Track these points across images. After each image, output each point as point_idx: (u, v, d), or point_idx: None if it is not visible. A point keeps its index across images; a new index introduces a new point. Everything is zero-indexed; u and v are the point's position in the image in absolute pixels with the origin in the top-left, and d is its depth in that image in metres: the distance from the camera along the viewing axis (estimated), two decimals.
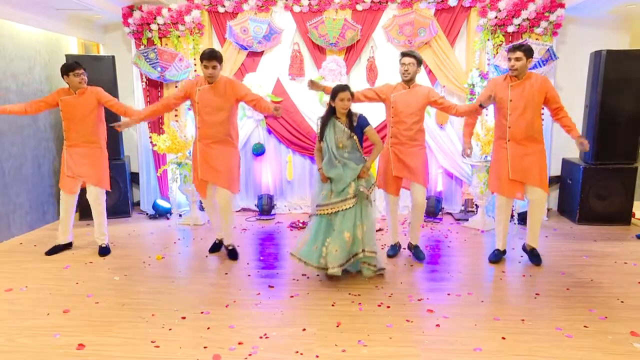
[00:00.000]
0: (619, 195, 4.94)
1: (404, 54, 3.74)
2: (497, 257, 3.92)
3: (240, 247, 4.40)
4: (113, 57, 5.17)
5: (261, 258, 4.09)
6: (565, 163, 5.36)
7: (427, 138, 5.25)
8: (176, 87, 5.29)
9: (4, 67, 4.56)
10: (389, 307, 3.07)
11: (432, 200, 5.22)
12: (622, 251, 4.16)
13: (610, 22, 5.14)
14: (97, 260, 4.03)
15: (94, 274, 3.71)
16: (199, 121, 3.79)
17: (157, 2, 5.17)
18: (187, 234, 4.83)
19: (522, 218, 4.98)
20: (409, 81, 3.74)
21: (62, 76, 3.98)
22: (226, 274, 3.71)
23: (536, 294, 3.26)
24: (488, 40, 5.04)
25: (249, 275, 3.67)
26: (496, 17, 4.95)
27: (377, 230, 3.86)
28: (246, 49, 5.28)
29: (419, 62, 3.73)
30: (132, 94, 5.47)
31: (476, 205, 5.20)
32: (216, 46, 5.46)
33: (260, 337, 2.69)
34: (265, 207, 5.47)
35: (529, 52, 3.54)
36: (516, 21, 4.92)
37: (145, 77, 5.35)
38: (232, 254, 4.08)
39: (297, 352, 2.53)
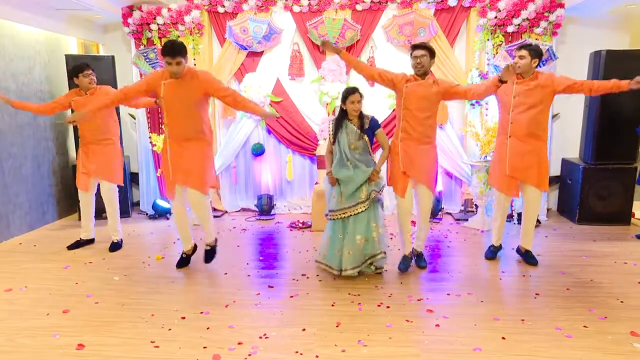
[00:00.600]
0: (618, 195, 4.94)
1: (415, 47, 3.47)
2: (493, 253, 3.97)
3: (240, 247, 4.41)
4: (113, 57, 5.17)
5: (261, 258, 4.09)
6: (565, 163, 5.36)
7: None
8: None
9: (4, 67, 4.56)
10: (388, 307, 3.07)
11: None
12: (622, 251, 4.15)
13: (610, 22, 5.14)
14: (97, 260, 4.03)
15: (93, 274, 3.71)
16: (167, 118, 3.51)
17: (156, 2, 5.17)
18: None
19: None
20: (422, 74, 3.47)
21: (72, 78, 4.14)
22: (226, 274, 3.71)
23: (536, 294, 3.26)
24: (488, 40, 5.04)
25: (248, 276, 3.67)
26: (496, 17, 4.95)
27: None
28: (246, 49, 5.27)
29: (432, 53, 3.45)
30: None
31: (476, 205, 5.19)
32: (216, 46, 5.47)
33: (260, 337, 2.69)
34: (265, 207, 5.47)
35: (534, 52, 3.51)
36: (516, 21, 4.92)
37: None
38: (210, 255, 3.84)
39: (297, 352, 2.53)
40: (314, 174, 5.64)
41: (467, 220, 5.12)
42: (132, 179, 5.70)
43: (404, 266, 3.71)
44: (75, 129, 4.77)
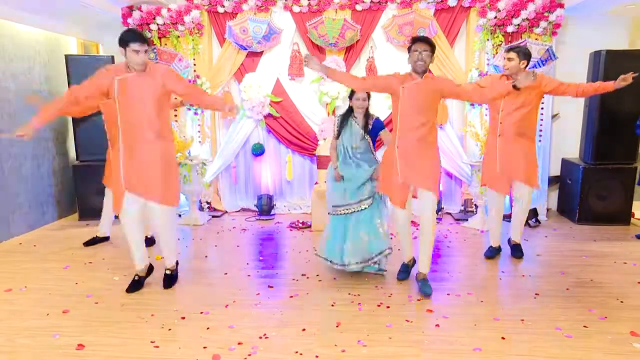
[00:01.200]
0: (618, 195, 4.94)
1: (416, 40, 3.15)
2: (492, 253, 4.02)
3: (239, 247, 4.40)
4: (112, 57, 5.16)
5: (261, 258, 4.09)
6: (565, 163, 5.36)
7: None
8: None
9: (4, 67, 4.56)
10: (388, 307, 3.07)
11: None
12: (622, 251, 4.16)
13: (609, 22, 5.14)
14: (97, 260, 4.02)
15: (93, 274, 3.71)
16: (122, 120, 3.12)
17: (156, 2, 5.16)
18: (187, 234, 4.82)
19: None
20: (422, 72, 3.16)
21: None
22: (226, 274, 3.71)
23: (536, 294, 3.26)
24: (487, 40, 5.04)
25: (248, 276, 3.67)
26: (495, 17, 4.95)
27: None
28: (246, 49, 5.27)
29: (433, 49, 3.16)
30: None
31: (475, 205, 5.20)
32: (216, 46, 5.47)
33: (260, 337, 2.69)
34: (265, 207, 5.47)
35: (523, 54, 3.58)
36: (515, 21, 4.92)
37: None
38: (170, 280, 3.42)
39: (297, 352, 2.53)
40: (313, 174, 5.64)
41: (467, 220, 5.12)
42: None
43: (403, 275, 3.52)
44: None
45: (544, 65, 4.86)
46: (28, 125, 2.99)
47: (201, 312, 3.00)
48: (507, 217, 4.74)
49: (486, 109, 5.16)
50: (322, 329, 2.79)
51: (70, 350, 2.58)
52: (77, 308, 3.08)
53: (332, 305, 3.10)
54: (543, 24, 4.90)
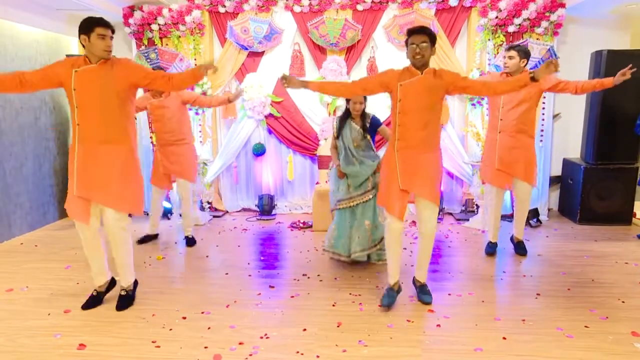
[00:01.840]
0: (619, 196, 4.93)
1: (413, 31, 2.82)
2: (491, 249, 4.08)
3: (240, 247, 4.41)
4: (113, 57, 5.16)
5: (262, 258, 4.09)
6: (566, 163, 5.35)
7: None
8: None
9: (4, 67, 4.56)
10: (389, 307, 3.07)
11: None
12: (623, 251, 4.15)
13: (610, 22, 5.13)
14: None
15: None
16: (79, 115, 2.81)
17: (157, 3, 5.17)
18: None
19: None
20: (421, 66, 2.85)
21: None
22: (227, 274, 3.71)
23: (537, 294, 3.25)
24: (489, 40, 5.04)
25: (249, 276, 3.67)
26: (497, 17, 4.94)
27: None
28: (247, 49, 5.27)
29: (433, 41, 2.83)
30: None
31: (477, 205, 5.19)
32: (217, 46, 5.48)
33: (261, 337, 2.69)
34: (266, 207, 5.47)
35: (523, 52, 3.67)
36: (517, 21, 4.92)
37: None
38: (124, 302, 3.06)
39: (298, 352, 2.53)
40: (314, 174, 5.64)
41: (468, 220, 5.12)
42: None
43: (388, 300, 3.02)
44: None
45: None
46: None
47: (202, 312, 3.01)
48: (509, 217, 4.77)
49: (486, 108, 5.16)
50: (323, 329, 2.79)
51: (71, 350, 2.58)
52: (78, 308, 3.08)
53: (333, 305, 3.10)
54: (544, 23, 4.90)
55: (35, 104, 5.01)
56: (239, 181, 5.77)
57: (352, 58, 5.31)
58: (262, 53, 5.37)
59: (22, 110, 4.82)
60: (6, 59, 4.59)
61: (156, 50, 5.04)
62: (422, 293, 3.13)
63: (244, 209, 5.77)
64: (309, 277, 3.60)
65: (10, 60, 4.64)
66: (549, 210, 5.39)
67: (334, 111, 5.40)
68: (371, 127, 3.68)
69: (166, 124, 4.20)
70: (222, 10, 5.24)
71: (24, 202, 4.83)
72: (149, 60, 5.08)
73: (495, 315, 2.93)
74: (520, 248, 4.06)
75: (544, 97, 5.07)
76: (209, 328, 2.80)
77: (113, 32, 2.86)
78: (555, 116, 5.31)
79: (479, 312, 2.99)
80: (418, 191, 2.93)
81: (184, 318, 2.93)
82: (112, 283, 3.21)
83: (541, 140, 5.16)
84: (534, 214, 5.03)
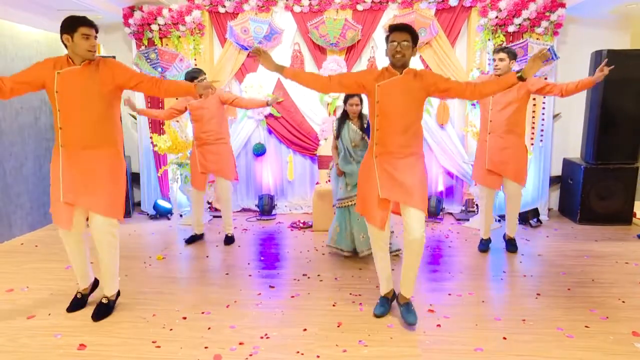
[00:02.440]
0: (619, 195, 4.93)
1: (393, 29, 2.64)
2: (484, 245, 4.18)
3: (240, 247, 4.41)
4: (114, 57, 5.17)
5: (262, 258, 4.09)
6: (566, 163, 5.35)
7: (427, 138, 5.33)
8: None
9: (4, 67, 4.56)
10: None
11: (433, 200, 5.22)
12: (623, 251, 4.15)
13: (610, 21, 5.13)
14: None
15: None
16: (62, 119, 2.71)
17: (157, 3, 5.17)
18: (188, 234, 4.81)
19: (523, 218, 4.99)
20: (401, 66, 2.67)
21: None
22: (227, 274, 3.71)
23: (537, 294, 3.25)
24: (489, 40, 5.04)
25: (249, 276, 3.67)
26: (497, 17, 4.94)
27: None
28: (247, 49, 5.27)
29: (415, 40, 2.66)
30: (132, 95, 5.46)
31: (477, 205, 5.19)
32: (217, 46, 5.48)
33: (261, 337, 2.69)
34: (266, 207, 5.47)
35: (512, 54, 3.75)
36: (517, 21, 4.92)
37: None
38: (102, 311, 2.94)
39: (298, 352, 2.53)
40: (315, 174, 5.64)
41: (468, 220, 5.12)
42: (134, 179, 5.71)
43: (381, 310, 2.92)
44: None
45: (545, 64, 4.85)
46: None
47: (202, 312, 3.01)
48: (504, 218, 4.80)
49: None
50: (323, 329, 2.79)
51: (71, 350, 2.58)
52: None
53: (334, 305, 3.10)
54: (544, 23, 4.90)
55: (35, 104, 5.01)
56: (239, 181, 5.76)
57: (352, 58, 5.31)
58: None
59: (22, 110, 4.82)
60: (6, 59, 4.59)
61: (156, 51, 5.04)
62: (407, 312, 2.82)
63: (244, 209, 5.77)
64: (309, 277, 3.60)
65: (11, 60, 4.64)
66: (549, 210, 5.39)
67: (334, 111, 5.40)
68: (368, 127, 3.66)
69: (205, 124, 4.23)
70: (222, 10, 5.24)
71: (25, 202, 4.83)
72: (149, 60, 5.08)
73: (495, 315, 2.93)
74: (511, 245, 4.16)
75: (544, 98, 5.08)
76: (209, 328, 2.80)
77: (97, 31, 2.75)
78: (555, 116, 5.31)
79: (479, 312, 2.99)
80: (402, 199, 2.68)
81: (184, 318, 2.93)
82: (95, 284, 3.20)
83: (541, 141, 5.16)
84: (534, 214, 5.04)
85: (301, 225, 5.09)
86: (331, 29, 5.08)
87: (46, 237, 4.73)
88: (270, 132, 5.59)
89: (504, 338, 2.66)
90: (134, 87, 2.82)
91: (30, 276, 3.67)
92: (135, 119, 5.58)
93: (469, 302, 3.16)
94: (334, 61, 5.24)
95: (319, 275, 3.63)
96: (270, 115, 5.46)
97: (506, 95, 3.74)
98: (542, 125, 5.13)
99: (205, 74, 4.23)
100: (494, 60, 3.78)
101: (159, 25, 5.18)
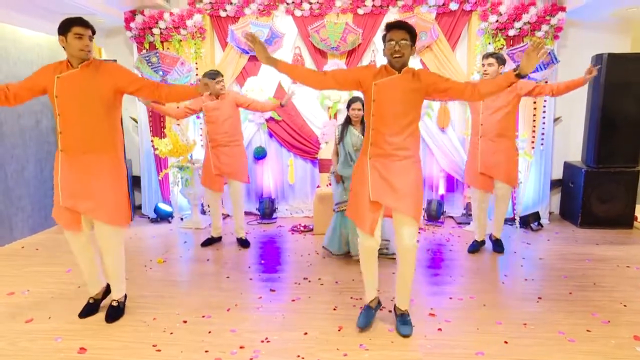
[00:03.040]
0: (621, 199, 4.92)
1: (391, 27, 2.55)
2: (475, 247, 4.27)
3: (241, 250, 4.40)
4: (115, 61, 5.18)
5: (262, 262, 4.09)
6: (567, 166, 5.35)
7: (428, 141, 5.34)
8: None
9: (7, 71, 4.58)
10: (390, 311, 3.05)
11: (434, 203, 5.22)
12: (625, 255, 4.14)
13: (611, 25, 5.14)
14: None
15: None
16: (62, 123, 2.69)
17: (159, 7, 5.19)
18: (189, 238, 4.83)
19: (524, 221, 4.99)
20: (400, 66, 2.59)
21: None
22: (227, 277, 3.71)
23: (538, 298, 3.25)
24: (489, 44, 5.05)
25: (250, 279, 3.67)
26: (497, 21, 4.95)
27: None
28: (248, 52, 5.29)
29: (414, 38, 2.56)
30: (133, 99, 5.48)
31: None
32: (218, 50, 5.49)
33: (262, 341, 2.69)
34: (267, 211, 5.47)
35: (501, 59, 3.85)
36: (517, 25, 4.93)
37: None
38: (114, 313, 2.96)
39: (299, 356, 2.53)
40: (315, 177, 5.64)
41: (468, 223, 5.11)
42: (134, 182, 5.71)
43: (364, 320, 2.80)
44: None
45: (545, 69, 4.86)
46: None
47: (203, 316, 3.00)
48: (510, 220, 4.82)
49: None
50: (324, 332, 2.78)
51: (72, 353, 2.58)
52: (79, 312, 3.07)
53: (334, 309, 3.10)
54: (545, 27, 4.91)
55: (36, 107, 5.02)
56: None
57: (353, 62, 5.32)
58: None
59: (24, 113, 4.84)
60: (9, 63, 4.60)
61: (157, 54, 5.05)
62: (402, 323, 2.75)
63: (245, 213, 5.73)
64: (309, 281, 3.60)
65: (13, 64, 4.66)
66: (550, 213, 5.39)
67: (335, 115, 5.41)
68: None
69: (220, 126, 4.22)
70: (223, 14, 5.26)
71: (26, 205, 4.83)
72: (150, 64, 5.09)
73: (496, 319, 2.93)
74: (497, 246, 4.24)
75: (545, 101, 5.08)
76: (209, 332, 2.80)
77: (93, 32, 2.70)
78: (556, 120, 5.31)
79: (480, 316, 2.98)
80: (394, 204, 2.58)
81: (185, 322, 2.93)
82: (109, 289, 3.12)
83: (542, 144, 5.16)
84: (535, 217, 5.03)
85: (302, 228, 5.09)
86: (332, 32, 5.10)
87: (47, 240, 4.73)
88: (271, 135, 5.59)
89: (505, 342, 2.65)
90: (134, 91, 2.80)
91: (31, 279, 3.67)
92: (137, 122, 5.59)
93: (470, 305, 3.15)
94: (335, 65, 5.25)
95: (319, 278, 3.63)
96: (271, 118, 5.47)
97: (497, 100, 3.84)
98: (543, 128, 5.13)
99: (222, 75, 4.25)
100: (483, 65, 3.87)
101: (160, 29, 5.20)
